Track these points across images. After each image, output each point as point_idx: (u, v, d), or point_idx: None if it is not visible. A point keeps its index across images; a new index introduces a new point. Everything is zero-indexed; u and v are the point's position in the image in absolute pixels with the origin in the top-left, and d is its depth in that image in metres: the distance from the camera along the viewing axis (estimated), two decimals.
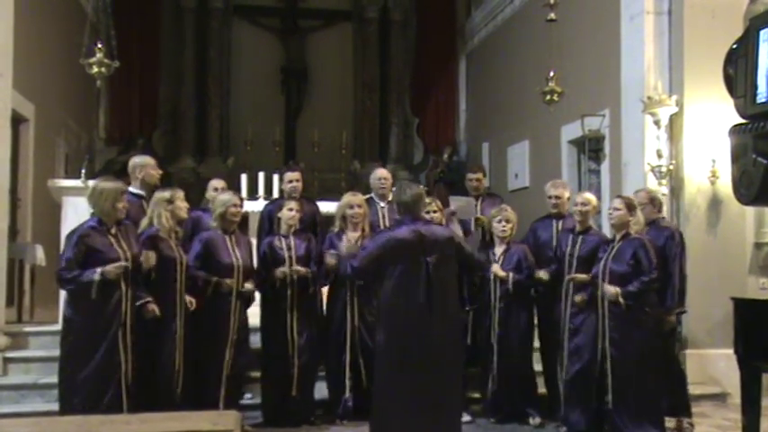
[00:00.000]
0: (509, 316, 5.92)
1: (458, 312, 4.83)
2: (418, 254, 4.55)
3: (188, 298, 5.31)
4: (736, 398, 5.73)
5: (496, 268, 5.90)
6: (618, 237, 5.33)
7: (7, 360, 6.38)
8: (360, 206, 5.93)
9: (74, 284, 4.80)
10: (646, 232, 5.47)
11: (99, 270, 4.73)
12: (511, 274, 5.87)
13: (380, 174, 6.72)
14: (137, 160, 5.97)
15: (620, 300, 5.14)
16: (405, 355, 4.52)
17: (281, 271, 5.72)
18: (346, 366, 5.87)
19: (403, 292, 4.54)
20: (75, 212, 6.58)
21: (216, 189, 6.42)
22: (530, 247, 6.13)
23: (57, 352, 6.31)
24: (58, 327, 6.58)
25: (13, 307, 7.34)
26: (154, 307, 5.03)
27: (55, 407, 5.70)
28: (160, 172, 5.95)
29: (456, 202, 6.42)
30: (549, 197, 6.17)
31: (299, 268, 5.74)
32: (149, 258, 5.04)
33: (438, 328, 4.54)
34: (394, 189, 5.17)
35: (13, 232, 7.97)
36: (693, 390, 6.56)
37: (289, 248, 5.81)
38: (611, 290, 5.16)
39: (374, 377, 4.80)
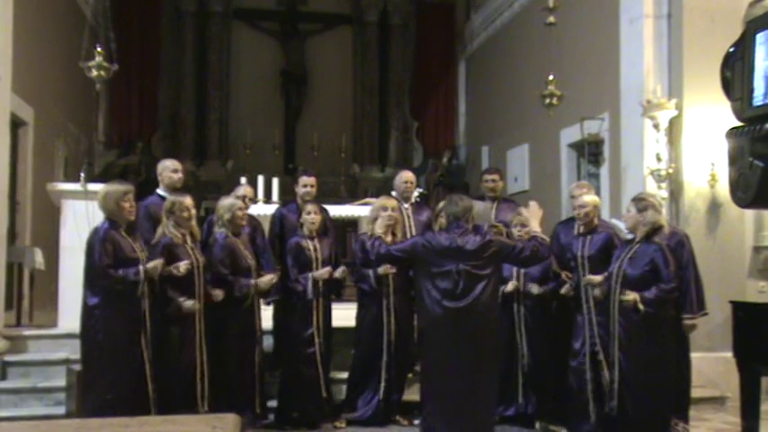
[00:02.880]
0: (534, 322, 5.91)
1: (492, 317, 4.89)
2: (450, 261, 4.75)
3: (216, 291, 5.41)
4: (735, 401, 5.74)
5: (536, 288, 5.88)
6: (638, 238, 5.13)
7: (6, 364, 6.36)
8: (393, 209, 5.95)
9: (122, 284, 4.87)
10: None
11: (141, 268, 4.90)
12: (537, 287, 5.88)
13: (406, 177, 6.76)
14: (164, 163, 6.12)
15: (640, 306, 4.92)
16: (440, 357, 4.79)
17: (326, 271, 5.85)
18: (382, 370, 5.90)
19: (434, 295, 4.78)
20: (74, 216, 6.59)
21: (244, 197, 6.27)
22: (554, 250, 6.05)
23: (55, 355, 6.37)
24: (57, 330, 6.64)
25: (12, 311, 7.32)
26: (190, 303, 5.18)
27: (53, 410, 5.74)
28: (180, 176, 6.01)
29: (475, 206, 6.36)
30: (573, 197, 6.04)
31: (338, 273, 5.93)
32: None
33: (470, 331, 4.73)
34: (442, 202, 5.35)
35: (12, 235, 7.96)
36: (693, 393, 6.55)
37: (315, 250, 5.94)
38: (630, 296, 4.95)
39: (420, 374, 5.04)
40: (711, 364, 6.82)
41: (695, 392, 6.59)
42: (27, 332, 6.80)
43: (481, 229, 4.96)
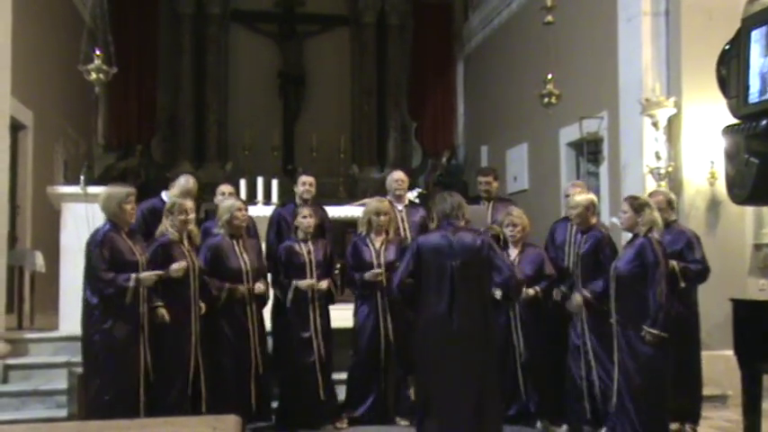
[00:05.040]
0: (529, 320, 5.92)
1: (486, 314, 4.83)
2: (445, 257, 4.72)
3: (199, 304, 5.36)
4: (736, 399, 5.73)
5: (530, 290, 5.83)
6: (629, 239, 5.17)
7: (7, 367, 6.36)
8: (387, 213, 6.02)
9: (112, 288, 4.88)
10: (662, 235, 5.38)
11: (134, 276, 4.89)
12: (538, 289, 5.86)
13: (397, 176, 6.74)
14: (181, 181, 6.20)
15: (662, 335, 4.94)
16: (435, 356, 4.71)
17: (308, 284, 5.83)
18: (379, 370, 5.94)
19: (432, 294, 4.73)
20: (74, 219, 6.60)
21: (223, 194, 6.42)
22: (548, 249, 6.12)
23: (57, 358, 6.38)
24: (58, 333, 6.64)
25: (13, 314, 7.32)
26: (164, 312, 5.11)
27: (55, 413, 5.75)
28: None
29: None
30: (567, 196, 6.10)
31: (322, 285, 5.88)
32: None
33: (462, 329, 4.66)
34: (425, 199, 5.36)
35: (13, 239, 7.96)
36: None
37: (308, 253, 5.92)
38: (650, 336, 4.92)
39: (416, 376, 4.97)
40: (712, 363, 6.80)
41: None
42: (28, 335, 6.80)
43: (477, 229, 4.96)
